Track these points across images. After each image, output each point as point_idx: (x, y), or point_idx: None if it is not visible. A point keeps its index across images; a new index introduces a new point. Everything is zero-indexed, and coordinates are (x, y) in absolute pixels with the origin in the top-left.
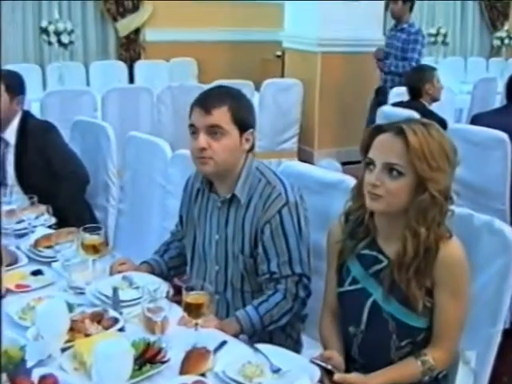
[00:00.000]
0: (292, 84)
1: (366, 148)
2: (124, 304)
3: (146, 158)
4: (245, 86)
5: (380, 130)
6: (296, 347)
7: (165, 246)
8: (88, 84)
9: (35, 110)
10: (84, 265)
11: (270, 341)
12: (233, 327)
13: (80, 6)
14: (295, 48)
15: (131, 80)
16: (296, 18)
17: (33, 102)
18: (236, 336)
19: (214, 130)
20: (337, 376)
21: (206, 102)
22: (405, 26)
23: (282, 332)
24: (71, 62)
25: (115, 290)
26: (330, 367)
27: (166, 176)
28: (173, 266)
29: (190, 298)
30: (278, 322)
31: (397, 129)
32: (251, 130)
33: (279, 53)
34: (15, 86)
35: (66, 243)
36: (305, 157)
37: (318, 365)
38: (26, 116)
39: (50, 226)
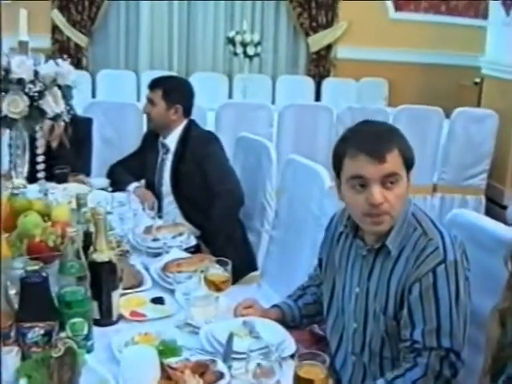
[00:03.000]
0: (487, 115)
1: None
2: (236, 356)
3: (303, 184)
4: (434, 113)
5: None
6: None
7: (300, 290)
8: (273, 98)
9: (210, 120)
10: (206, 300)
11: None
12: None
13: (273, 19)
14: (495, 76)
15: (317, 97)
16: (499, 44)
17: (211, 111)
18: None
19: (389, 180)
20: None
21: (375, 146)
22: None
23: None
24: (258, 75)
25: (230, 336)
26: None
27: (321, 207)
28: (307, 314)
29: (302, 370)
30: None
31: None
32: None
33: (477, 79)
34: (174, 94)
35: (193, 272)
36: (494, 195)
37: None
38: (191, 124)
39: (186, 249)
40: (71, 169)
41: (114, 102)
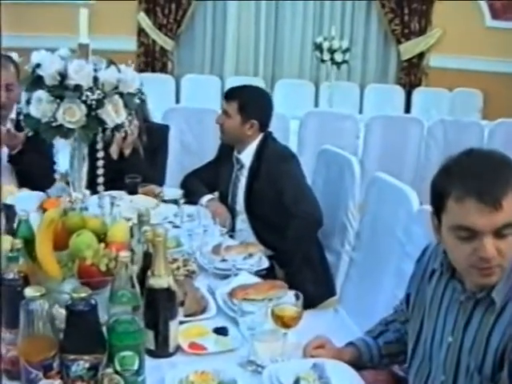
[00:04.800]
0: None
1: None
2: None
3: (388, 206)
4: None
5: None
6: None
7: (382, 325)
8: (361, 107)
9: (293, 128)
10: (273, 335)
11: None
12: None
13: (363, 25)
14: None
15: (407, 108)
16: None
17: (295, 119)
18: None
19: (504, 230)
20: None
21: (488, 189)
22: None
23: None
24: (345, 82)
25: (297, 381)
26: None
27: (407, 232)
28: (388, 353)
29: None
30: None
31: None
32: None
33: None
34: (251, 108)
35: (261, 300)
36: None
37: None
38: (267, 139)
39: (258, 272)
40: (144, 178)
41: (194, 108)
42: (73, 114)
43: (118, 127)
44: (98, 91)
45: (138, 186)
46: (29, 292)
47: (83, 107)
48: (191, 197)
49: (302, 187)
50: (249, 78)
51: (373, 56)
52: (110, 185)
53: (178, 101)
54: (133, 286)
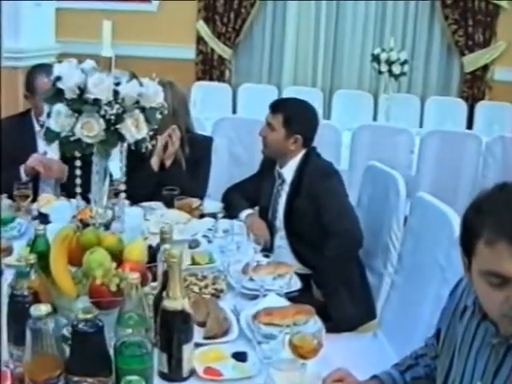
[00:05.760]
0: None
1: None
2: None
3: (431, 229)
4: None
5: None
6: None
7: (411, 359)
8: (421, 120)
9: (345, 141)
10: (292, 364)
11: None
12: None
13: (426, 36)
14: None
15: (470, 122)
16: None
17: (348, 131)
18: None
19: None
20: None
21: None
22: None
23: None
24: (404, 95)
25: None
26: None
27: (448, 257)
28: None
29: None
30: None
31: None
32: None
33: None
34: (297, 123)
35: (283, 326)
36: None
37: None
38: (310, 154)
39: (288, 294)
40: (184, 190)
41: (244, 119)
42: (91, 129)
43: (138, 142)
44: (117, 106)
45: (175, 199)
46: (35, 311)
47: (102, 122)
48: (232, 211)
49: (344, 205)
50: (307, 89)
51: (435, 68)
52: (150, 196)
53: (234, 110)
54: (142, 309)
